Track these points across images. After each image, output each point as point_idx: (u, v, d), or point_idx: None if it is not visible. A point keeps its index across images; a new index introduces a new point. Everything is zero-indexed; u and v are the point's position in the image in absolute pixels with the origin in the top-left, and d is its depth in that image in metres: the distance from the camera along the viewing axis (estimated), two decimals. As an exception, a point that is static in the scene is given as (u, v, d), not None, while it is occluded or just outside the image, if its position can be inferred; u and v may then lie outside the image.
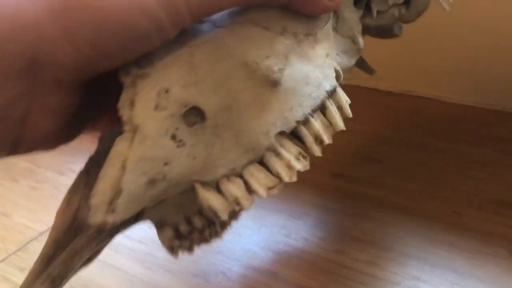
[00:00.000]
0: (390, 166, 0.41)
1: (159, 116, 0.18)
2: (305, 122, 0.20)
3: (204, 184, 0.19)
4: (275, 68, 0.19)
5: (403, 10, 0.30)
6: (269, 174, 0.19)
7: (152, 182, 0.18)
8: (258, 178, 0.19)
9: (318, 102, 0.20)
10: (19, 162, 0.45)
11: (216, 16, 0.21)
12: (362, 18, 0.27)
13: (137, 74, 0.19)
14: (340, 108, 0.22)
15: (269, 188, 0.19)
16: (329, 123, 0.21)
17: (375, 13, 0.28)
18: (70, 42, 0.17)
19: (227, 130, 0.19)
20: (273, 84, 0.19)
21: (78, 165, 0.44)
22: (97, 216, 0.17)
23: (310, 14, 0.22)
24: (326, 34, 0.22)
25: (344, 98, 0.22)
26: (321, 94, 0.21)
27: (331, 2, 0.21)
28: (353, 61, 0.25)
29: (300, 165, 0.20)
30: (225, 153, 0.19)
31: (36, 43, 0.17)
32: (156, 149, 0.18)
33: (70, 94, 0.19)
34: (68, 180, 0.42)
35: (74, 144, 0.47)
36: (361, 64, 0.31)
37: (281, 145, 0.20)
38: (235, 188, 0.19)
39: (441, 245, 0.32)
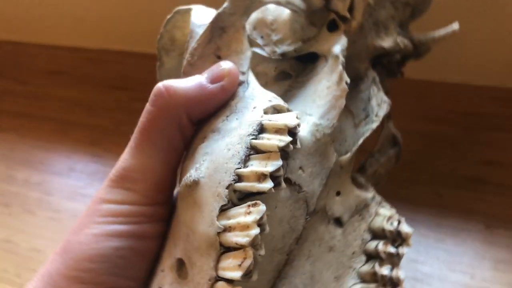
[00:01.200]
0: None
1: None
2: (237, 179, 0.20)
3: None
4: (191, 172, 0.21)
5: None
6: (233, 253, 0.19)
7: None
8: (226, 266, 0.19)
9: (243, 152, 0.20)
10: (30, 192, 0.47)
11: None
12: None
13: None
14: (278, 131, 0.21)
15: (240, 265, 0.18)
16: (270, 151, 0.20)
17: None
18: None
19: (194, 255, 0.20)
20: (195, 184, 0.20)
21: (87, 189, 0.46)
22: None
23: (217, 104, 0.23)
24: (249, 97, 0.23)
25: (276, 122, 0.21)
26: (243, 144, 0.21)
27: (225, 82, 0.23)
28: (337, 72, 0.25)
29: (254, 215, 0.19)
30: (200, 274, 0.19)
31: None
32: None
33: None
34: (82, 206, 0.45)
35: (79, 167, 0.49)
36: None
37: (228, 218, 0.19)
38: None
39: (430, 227, 0.38)
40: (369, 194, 0.26)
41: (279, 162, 0.20)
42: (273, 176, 0.19)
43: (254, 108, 0.22)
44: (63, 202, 0.45)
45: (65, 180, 0.48)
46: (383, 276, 0.23)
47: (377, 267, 0.24)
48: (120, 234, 0.21)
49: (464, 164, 0.43)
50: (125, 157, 0.22)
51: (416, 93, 0.52)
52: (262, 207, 0.19)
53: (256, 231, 0.18)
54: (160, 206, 0.22)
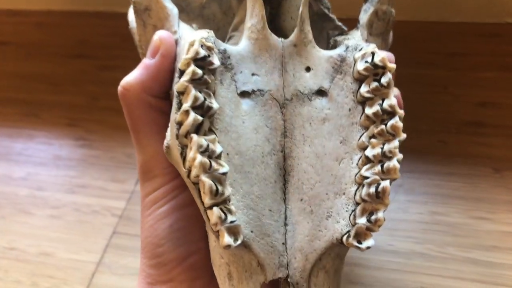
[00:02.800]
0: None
1: None
2: (179, 126, 0.21)
3: None
4: (164, 142, 0.23)
5: None
6: (199, 184, 0.20)
7: None
8: (203, 197, 0.20)
9: (175, 102, 0.21)
10: (18, 190, 0.43)
11: None
12: None
13: None
14: (188, 65, 0.22)
15: (204, 192, 0.20)
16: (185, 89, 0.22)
17: None
18: None
19: (195, 200, 0.22)
20: (167, 148, 0.23)
21: (82, 179, 0.43)
22: None
23: (167, 71, 0.25)
24: (183, 50, 0.24)
25: (182, 60, 0.22)
26: (175, 95, 0.22)
27: (162, 49, 0.24)
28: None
29: (193, 147, 0.20)
30: (200, 211, 0.21)
31: None
32: None
33: None
34: (81, 198, 0.42)
35: (64, 154, 0.46)
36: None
37: (187, 161, 0.21)
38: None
39: (441, 176, 0.39)
40: (342, 47, 0.24)
41: (192, 93, 0.21)
42: (197, 106, 0.21)
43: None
44: (60, 197, 0.42)
45: (54, 171, 0.44)
46: (374, 114, 0.22)
47: (367, 109, 0.22)
48: (166, 214, 0.25)
49: (460, 108, 0.44)
50: (137, 158, 0.26)
51: (400, 36, 0.52)
52: (194, 138, 0.20)
53: (198, 159, 0.20)
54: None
